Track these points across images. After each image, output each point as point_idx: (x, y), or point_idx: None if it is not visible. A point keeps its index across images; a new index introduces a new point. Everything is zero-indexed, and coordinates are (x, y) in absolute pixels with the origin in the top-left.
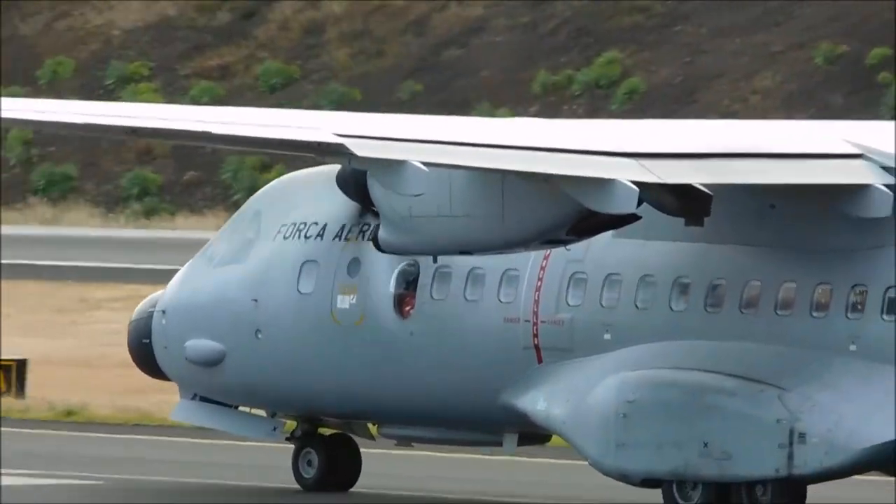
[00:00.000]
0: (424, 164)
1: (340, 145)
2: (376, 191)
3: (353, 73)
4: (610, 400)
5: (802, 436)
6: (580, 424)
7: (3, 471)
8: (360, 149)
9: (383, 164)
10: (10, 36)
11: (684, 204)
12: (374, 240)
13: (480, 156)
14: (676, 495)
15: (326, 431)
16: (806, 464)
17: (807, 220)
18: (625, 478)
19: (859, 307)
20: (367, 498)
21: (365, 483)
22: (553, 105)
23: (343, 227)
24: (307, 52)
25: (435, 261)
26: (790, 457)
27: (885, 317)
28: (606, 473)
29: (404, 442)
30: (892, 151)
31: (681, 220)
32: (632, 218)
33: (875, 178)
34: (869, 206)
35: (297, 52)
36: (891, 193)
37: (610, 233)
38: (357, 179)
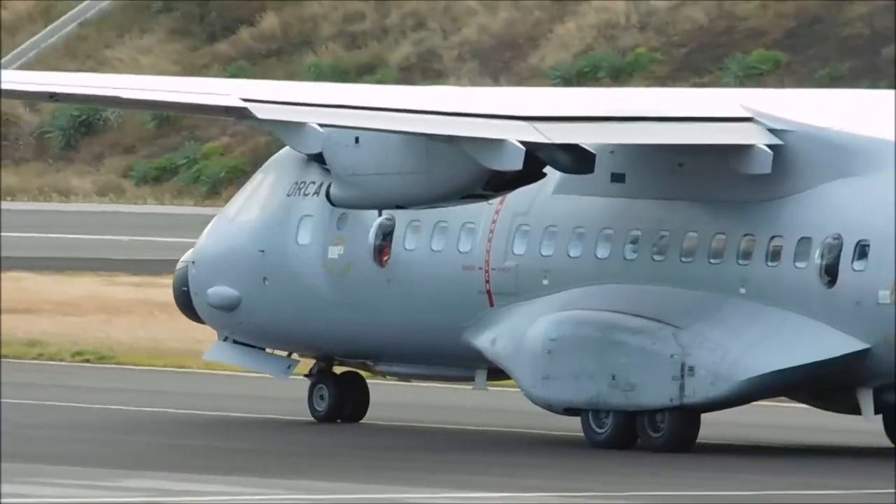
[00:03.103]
0: (321, 125)
1: (245, 108)
2: (327, 151)
3: None
4: (539, 338)
5: (692, 369)
6: (517, 359)
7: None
8: (262, 112)
9: (284, 126)
10: None
11: (573, 161)
12: (328, 195)
13: (377, 118)
14: (592, 423)
15: (339, 370)
16: (695, 393)
17: (708, 176)
18: (549, 407)
19: (748, 254)
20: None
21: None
22: None
23: None
24: None
25: (380, 214)
26: (682, 388)
27: (769, 263)
28: (535, 403)
29: (403, 378)
30: (780, 115)
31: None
32: (539, 175)
33: (759, 139)
34: (753, 163)
35: None
36: (770, 153)
37: (551, 189)
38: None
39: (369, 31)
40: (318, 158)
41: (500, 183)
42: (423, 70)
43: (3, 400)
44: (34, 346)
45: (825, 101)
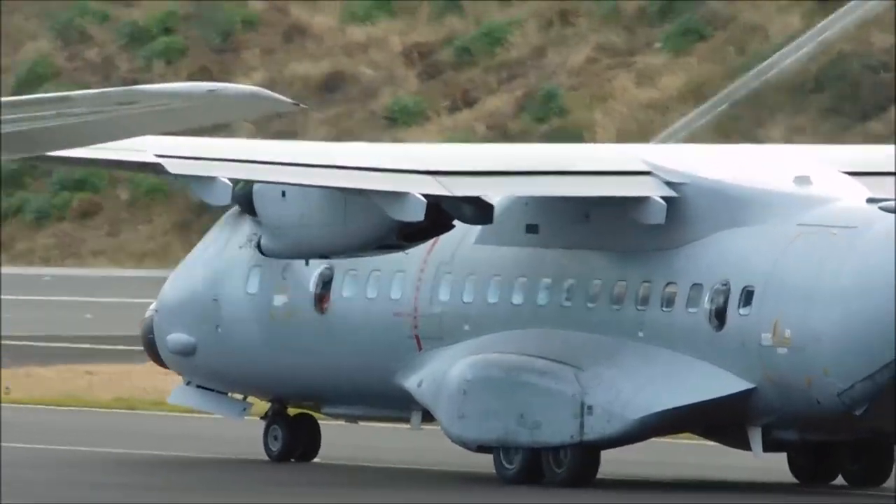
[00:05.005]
0: (231, 179)
1: (158, 164)
2: (257, 203)
3: None
4: (456, 379)
5: (590, 408)
6: (438, 400)
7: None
8: (174, 167)
9: (195, 179)
10: None
11: (474, 212)
12: (259, 245)
13: (284, 172)
14: (502, 460)
15: (293, 412)
16: (593, 431)
17: (610, 227)
18: (465, 444)
19: (646, 300)
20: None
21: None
22: None
23: None
24: None
25: (307, 263)
26: (581, 426)
27: (664, 308)
28: (452, 440)
29: (349, 419)
30: (676, 169)
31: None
32: (448, 226)
33: (654, 192)
34: (648, 214)
35: None
36: (664, 204)
37: (472, 239)
38: (246, 195)
39: None
40: (251, 211)
41: (412, 233)
42: None
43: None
44: None
45: (722, 155)
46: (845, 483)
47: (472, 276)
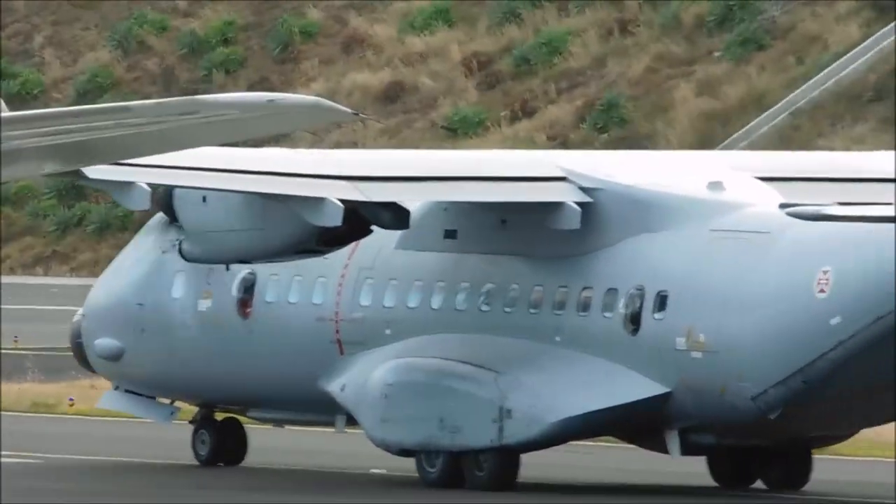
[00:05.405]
0: (149, 184)
1: (78, 170)
2: (177, 208)
3: None
4: (378, 383)
5: (510, 412)
6: (361, 404)
7: None
8: (93, 172)
9: (114, 185)
10: None
11: (391, 217)
12: (180, 250)
13: (202, 178)
14: (424, 463)
15: (220, 416)
16: (513, 435)
17: (527, 232)
18: (387, 448)
19: (563, 305)
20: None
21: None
22: None
23: None
24: None
25: (227, 268)
26: (501, 430)
27: (580, 313)
28: (375, 444)
29: (276, 423)
30: (591, 175)
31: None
32: (366, 231)
33: (569, 197)
34: (563, 219)
35: None
36: (579, 210)
37: (393, 244)
38: (166, 200)
39: None
40: (173, 216)
41: (331, 238)
42: None
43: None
44: None
45: (636, 161)
46: (765, 487)
47: (393, 281)
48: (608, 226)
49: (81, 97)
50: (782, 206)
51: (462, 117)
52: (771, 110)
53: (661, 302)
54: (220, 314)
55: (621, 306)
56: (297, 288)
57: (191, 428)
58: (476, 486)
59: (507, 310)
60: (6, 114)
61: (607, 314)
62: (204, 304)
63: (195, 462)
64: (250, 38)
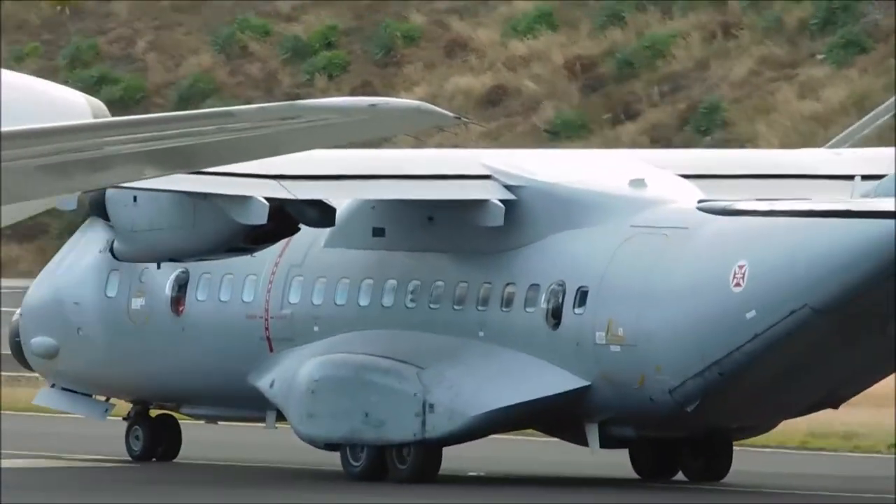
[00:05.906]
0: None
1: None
2: (109, 208)
3: None
4: (305, 379)
5: (432, 406)
6: (289, 399)
7: None
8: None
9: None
10: None
11: (318, 215)
12: (111, 250)
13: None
14: (349, 457)
15: (155, 412)
16: (435, 429)
17: (452, 229)
18: (313, 442)
19: (486, 301)
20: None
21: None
22: None
23: None
24: None
25: (158, 267)
26: (423, 423)
27: (503, 308)
28: (302, 439)
29: (209, 419)
30: (515, 172)
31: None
32: (295, 229)
33: (493, 195)
34: (487, 217)
35: None
36: (503, 207)
37: (322, 241)
38: (99, 200)
39: None
40: (105, 216)
41: (258, 236)
42: None
43: None
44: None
45: (560, 159)
46: (686, 479)
47: (321, 279)
48: (531, 223)
49: (183, 102)
50: (701, 202)
51: (564, 120)
52: (872, 112)
53: (582, 297)
54: (153, 312)
55: (543, 301)
56: (228, 286)
57: (125, 424)
58: (398, 478)
59: (433, 306)
60: (107, 119)
61: (529, 309)
62: (138, 302)
63: (128, 458)
64: (352, 42)
